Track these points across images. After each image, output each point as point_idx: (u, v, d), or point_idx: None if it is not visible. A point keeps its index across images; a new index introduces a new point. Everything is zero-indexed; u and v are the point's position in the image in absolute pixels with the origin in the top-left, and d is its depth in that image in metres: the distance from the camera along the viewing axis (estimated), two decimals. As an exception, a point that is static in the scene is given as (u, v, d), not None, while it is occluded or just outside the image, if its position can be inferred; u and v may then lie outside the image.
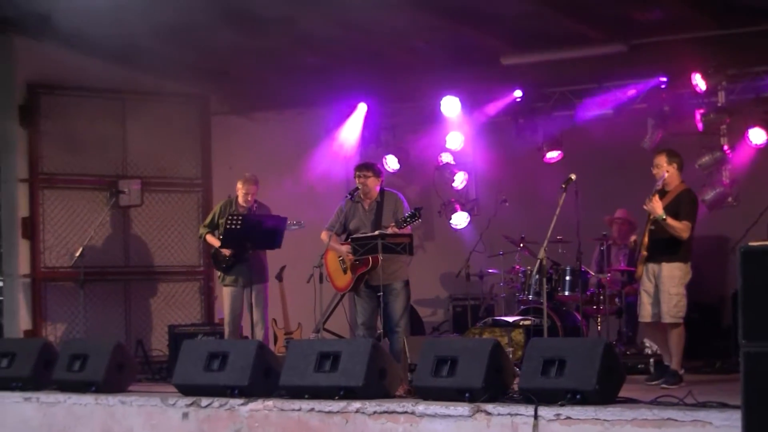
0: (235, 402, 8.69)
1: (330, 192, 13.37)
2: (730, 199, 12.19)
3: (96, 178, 13.24)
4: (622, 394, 7.80)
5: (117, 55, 12.19)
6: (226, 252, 11.47)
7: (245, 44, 11.94)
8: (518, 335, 11.21)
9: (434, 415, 7.87)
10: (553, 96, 13.13)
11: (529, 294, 12.14)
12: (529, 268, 12.14)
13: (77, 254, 12.20)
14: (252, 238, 11.18)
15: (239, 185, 11.62)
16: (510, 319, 11.84)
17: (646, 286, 9.68)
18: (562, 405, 7.47)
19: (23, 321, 12.76)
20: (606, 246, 12.25)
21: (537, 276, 11.60)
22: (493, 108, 13.41)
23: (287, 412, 8.42)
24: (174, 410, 8.96)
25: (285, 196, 12.72)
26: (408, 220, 10.20)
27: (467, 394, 7.86)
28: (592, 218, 11.88)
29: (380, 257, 10.05)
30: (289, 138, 13.88)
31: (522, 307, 12.26)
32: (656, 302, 9.58)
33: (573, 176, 10.00)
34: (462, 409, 7.77)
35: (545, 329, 9.64)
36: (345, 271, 10.51)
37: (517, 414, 7.55)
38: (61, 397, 9.62)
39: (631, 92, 12.52)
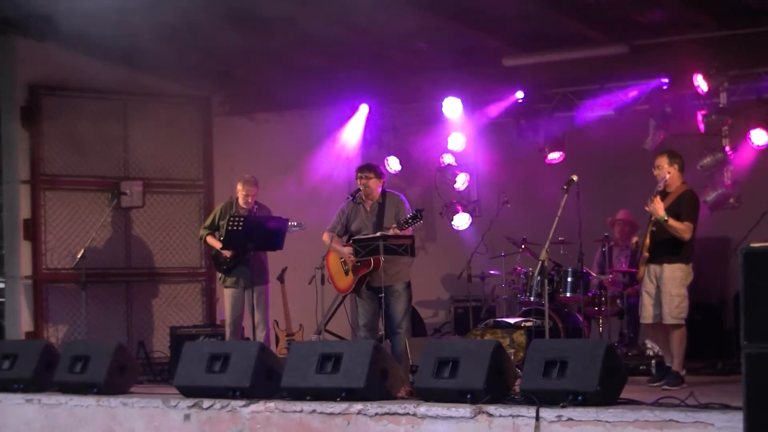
0: (236, 403, 8.69)
1: (331, 193, 13.38)
2: (731, 200, 12.18)
3: (98, 180, 13.25)
4: (624, 395, 7.80)
5: (119, 57, 12.20)
6: (227, 253, 11.48)
7: (247, 46, 11.96)
8: (520, 336, 11.22)
9: (436, 417, 7.87)
10: (555, 97, 13.13)
11: (530, 295, 12.14)
12: (530, 269, 12.15)
13: (79, 256, 12.20)
14: (254, 240, 11.18)
15: (239, 187, 11.62)
16: (511, 320, 11.84)
17: (648, 287, 9.68)
18: (563, 406, 7.46)
19: (25, 322, 12.76)
20: (608, 247, 12.26)
21: (538, 277, 11.58)
22: (495, 109, 13.41)
23: (289, 414, 8.42)
24: (176, 412, 8.96)
25: (286, 198, 12.73)
26: (410, 221, 10.20)
27: (469, 396, 7.86)
28: (594, 219, 11.87)
29: (382, 259, 10.05)
30: (290, 139, 13.88)
31: (523, 308, 12.26)
32: (658, 303, 9.57)
33: (575, 177, 10.01)
34: (463, 410, 7.77)
35: (547, 330, 9.65)
36: (346, 273, 10.52)
37: (518, 415, 7.55)
38: (62, 398, 9.62)
39: (633, 93, 12.50)
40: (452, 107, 13.36)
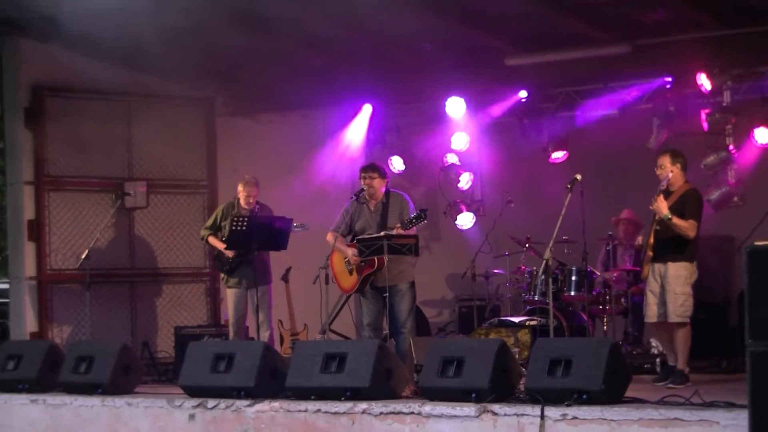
0: (241, 403, 8.69)
1: (335, 193, 13.39)
2: (735, 198, 12.18)
3: (102, 181, 13.25)
4: (629, 394, 7.80)
5: (122, 57, 12.19)
6: (229, 254, 11.49)
7: (250, 46, 11.96)
8: (524, 335, 11.22)
9: (440, 416, 7.87)
10: (558, 96, 13.12)
11: (534, 294, 12.14)
12: (534, 268, 12.15)
13: (83, 256, 12.23)
14: (257, 240, 11.19)
15: (240, 188, 11.64)
16: (516, 319, 11.86)
17: (652, 286, 9.67)
18: (568, 405, 7.46)
19: (29, 323, 12.77)
20: (612, 246, 12.27)
21: (543, 276, 11.61)
22: (498, 109, 13.41)
23: (294, 414, 8.43)
24: (180, 412, 8.96)
25: (290, 198, 12.74)
26: (414, 221, 10.20)
27: (473, 395, 7.86)
28: (598, 218, 11.87)
29: (386, 258, 10.05)
30: (294, 140, 13.88)
31: (528, 307, 12.27)
32: (662, 302, 9.57)
33: (578, 176, 10.02)
34: (468, 409, 7.77)
35: (551, 329, 9.66)
36: (350, 272, 10.52)
37: (523, 414, 7.55)
38: (67, 399, 9.63)
39: (636, 93, 12.51)
40: (455, 107, 13.36)
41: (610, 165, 12.74)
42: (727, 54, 11.70)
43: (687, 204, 9.58)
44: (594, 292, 11.95)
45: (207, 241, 11.98)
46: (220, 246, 11.59)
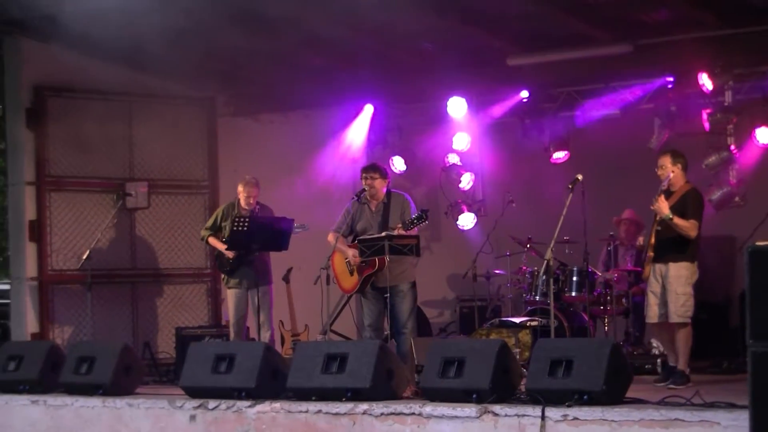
0: (242, 404, 8.69)
1: (337, 194, 13.39)
2: (737, 198, 12.18)
3: (103, 181, 13.26)
4: (630, 394, 7.79)
5: (123, 58, 12.20)
6: (230, 254, 11.49)
7: (251, 46, 11.96)
8: (525, 336, 11.22)
9: (441, 417, 7.87)
10: (560, 97, 13.12)
11: (536, 295, 12.13)
12: (536, 268, 12.15)
13: (84, 257, 12.24)
14: (258, 240, 11.18)
15: (240, 188, 11.63)
16: (517, 319, 11.85)
17: (653, 286, 9.67)
18: (569, 406, 7.46)
19: (30, 324, 12.77)
20: (613, 246, 12.26)
21: (544, 276, 11.62)
22: (500, 109, 13.41)
23: (294, 414, 8.43)
24: (181, 412, 8.96)
25: (291, 198, 12.75)
26: (415, 221, 10.19)
27: (474, 395, 7.85)
28: (599, 219, 11.85)
29: (387, 258, 10.04)
30: (295, 140, 13.88)
31: (529, 307, 12.26)
32: (663, 303, 9.57)
33: (580, 177, 10.01)
34: (469, 410, 7.76)
35: (552, 330, 9.64)
36: (351, 273, 10.52)
37: (524, 415, 7.55)
38: (68, 399, 9.63)
39: (638, 92, 12.50)
40: (457, 107, 13.35)
41: (611, 165, 12.73)
42: (728, 53, 11.70)
43: (688, 204, 9.57)
44: (595, 293, 11.93)
45: (207, 242, 11.98)
46: (220, 246, 11.59)
